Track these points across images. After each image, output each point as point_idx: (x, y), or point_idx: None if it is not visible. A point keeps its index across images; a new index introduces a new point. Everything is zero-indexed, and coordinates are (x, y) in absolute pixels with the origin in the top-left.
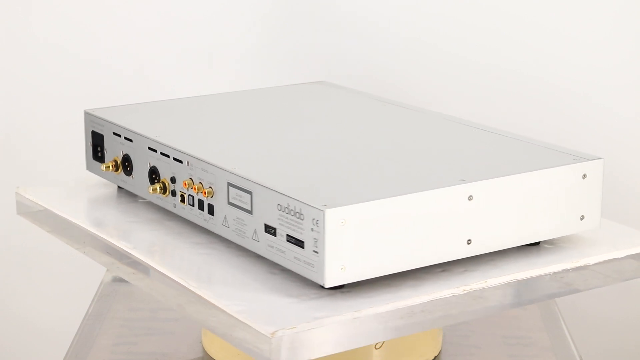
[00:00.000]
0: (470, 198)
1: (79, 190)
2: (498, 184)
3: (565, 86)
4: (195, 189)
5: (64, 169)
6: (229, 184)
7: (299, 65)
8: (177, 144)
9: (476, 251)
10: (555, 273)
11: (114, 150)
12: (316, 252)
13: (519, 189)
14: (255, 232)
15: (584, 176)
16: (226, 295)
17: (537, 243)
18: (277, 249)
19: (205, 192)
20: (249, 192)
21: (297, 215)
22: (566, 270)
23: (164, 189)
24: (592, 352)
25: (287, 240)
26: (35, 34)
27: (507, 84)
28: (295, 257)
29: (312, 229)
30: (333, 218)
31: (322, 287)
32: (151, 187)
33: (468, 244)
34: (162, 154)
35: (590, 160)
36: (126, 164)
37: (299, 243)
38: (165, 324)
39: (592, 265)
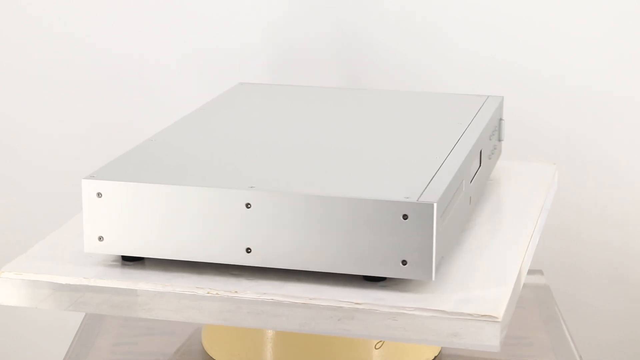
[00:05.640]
0: (248, 206)
1: None
2: (282, 198)
3: (566, 86)
4: None
5: None
6: None
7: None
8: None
9: (259, 262)
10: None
11: None
12: None
13: (311, 209)
14: None
15: (405, 217)
16: (60, 243)
17: (383, 279)
18: None
19: None
20: None
21: None
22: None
23: None
24: (592, 351)
25: None
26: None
27: (505, 81)
28: None
29: None
30: (89, 189)
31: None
32: None
33: (248, 252)
34: None
35: (417, 202)
36: None
37: None
38: (165, 324)
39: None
